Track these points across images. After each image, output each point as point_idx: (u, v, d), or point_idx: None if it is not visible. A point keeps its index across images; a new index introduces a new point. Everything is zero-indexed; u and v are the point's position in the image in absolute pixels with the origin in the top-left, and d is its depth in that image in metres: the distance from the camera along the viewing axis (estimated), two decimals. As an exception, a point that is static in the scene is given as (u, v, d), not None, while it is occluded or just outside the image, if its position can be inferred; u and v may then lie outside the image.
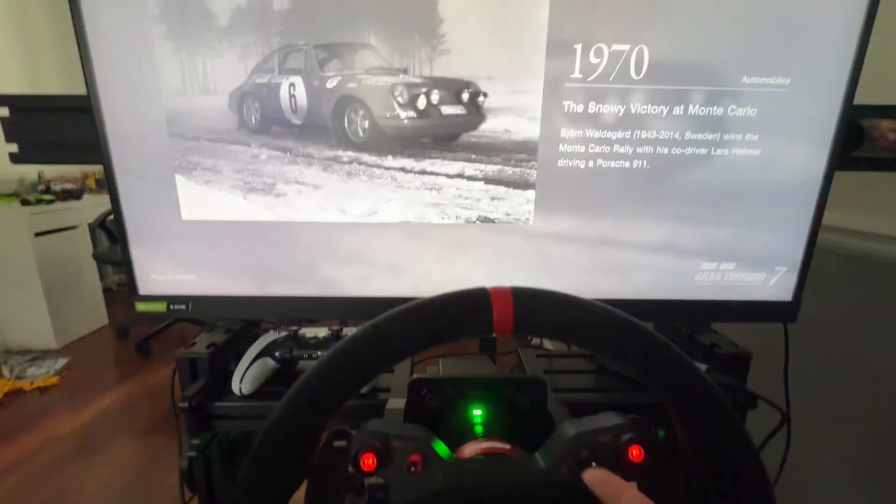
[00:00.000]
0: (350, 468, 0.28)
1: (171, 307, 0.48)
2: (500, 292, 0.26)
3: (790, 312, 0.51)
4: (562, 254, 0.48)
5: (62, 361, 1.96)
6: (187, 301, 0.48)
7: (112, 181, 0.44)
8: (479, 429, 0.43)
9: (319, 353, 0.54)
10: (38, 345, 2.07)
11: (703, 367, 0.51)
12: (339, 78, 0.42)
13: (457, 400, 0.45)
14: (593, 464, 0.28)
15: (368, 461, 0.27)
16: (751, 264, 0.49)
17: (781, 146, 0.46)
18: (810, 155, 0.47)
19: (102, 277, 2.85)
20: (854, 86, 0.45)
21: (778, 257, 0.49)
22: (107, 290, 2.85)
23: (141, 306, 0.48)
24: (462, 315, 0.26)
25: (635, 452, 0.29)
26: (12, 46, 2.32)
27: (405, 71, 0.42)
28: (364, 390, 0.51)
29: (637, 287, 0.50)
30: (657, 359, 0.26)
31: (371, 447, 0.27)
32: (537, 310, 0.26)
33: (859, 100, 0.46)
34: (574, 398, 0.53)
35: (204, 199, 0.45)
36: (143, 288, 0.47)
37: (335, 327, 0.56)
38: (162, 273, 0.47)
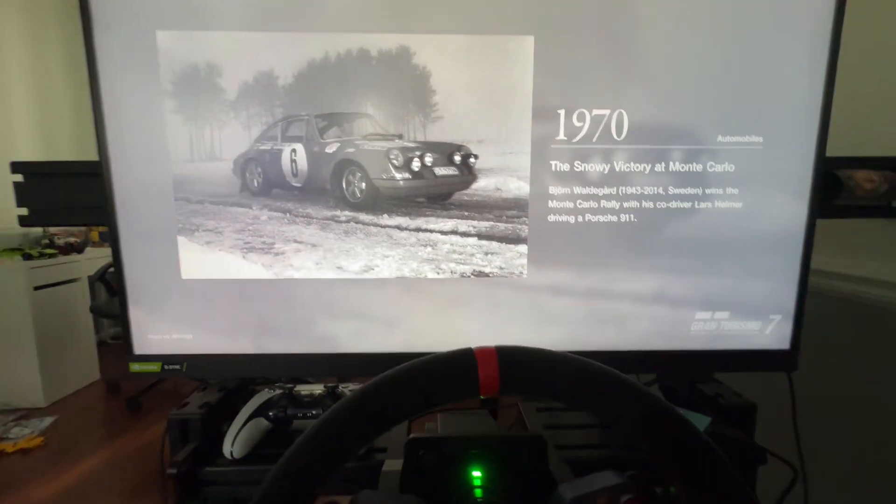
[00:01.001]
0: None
1: (166, 367, 0.47)
2: (484, 353, 0.26)
3: (790, 361, 0.51)
4: (556, 305, 0.49)
5: (48, 420, 1.89)
6: (182, 361, 0.47)
7: (116, 242, 0.46)
8: (478, 492, 0.42)
9: (315, 411, 0.53)
10: (24, 403, 2.00)
11: (707, 419, 0.50)
12: (338, 144, 0.45)
13: (455, 460, 0.44)
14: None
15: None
16: (745, 313, 0.50)
17: (762, 198, 0.48)
18: (791, 206, 0.48)
19: (97, 330, 2.82)
20: (824, 139, 0.48)
21: (771, 305, 0.50)
22: (101, 344, 2.81)
23: (135, 367, 0.47)
24: (447, 379, 0.26)
25: (633, 513, 0.28)
26: (32, 113, 2.46)
27: (400, 136, 0.45)
28: (360, 452, 0.50)
29: (633, 338, 0.50)
30: (647, 415, 0.26)
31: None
32: (523, 369, 0.26)
33: (836, 151, 0.49)
34: (576, 455, 0.51)
35: (204, 259, 0.46)
36: (139, 347, 0.47)
37: (331, 384, 0.55)
38: (158, 332, 0.47)
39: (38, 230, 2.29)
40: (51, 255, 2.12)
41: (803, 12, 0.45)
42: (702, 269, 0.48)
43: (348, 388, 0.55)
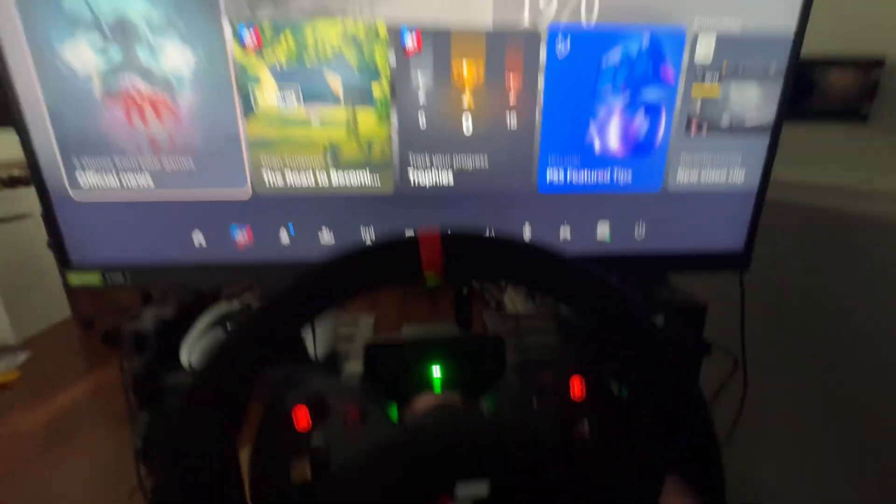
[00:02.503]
0: (286, 428, 0.27)
1: (107, 278, 0.45)
2: (427, 233, 0.25)
3: (743, 260, 0.52)
4: (518, 210, 0.47)
5: (23, 356, 1.88)
6: (123, 269, 0.45)
7: (28, 141, 0.41)
8: (437, 390, 0.43)
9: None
10: (-6, 340, 1.97)
11: (659, 316, 0.52)
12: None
13: (415, 363, 0.44)
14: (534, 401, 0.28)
15: (302, 418, 0.27)
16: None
17: (734, 91, 0.46)
18: (761, 102, 0.47)
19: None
20: (801, 35, 0.45)
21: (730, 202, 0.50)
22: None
23: (74, 278, 0.45)
24: (388, 259, 0.25)
25: (576, 387, 0.29)
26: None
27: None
28: (321, 357, 0.50)
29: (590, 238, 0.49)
30: (593, 294, 0.25)
31: (304, 402, 0.26)
32: (468, 248, 0.25)
33: (810, 52, 0.46)
34: (537, 358, 0.53)
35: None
36: (76, 257, 0.44)
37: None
38: (96, 239, 0.44)
39: (-23, 162, 2.10)
40: (1, 189, 1.97)
41: None
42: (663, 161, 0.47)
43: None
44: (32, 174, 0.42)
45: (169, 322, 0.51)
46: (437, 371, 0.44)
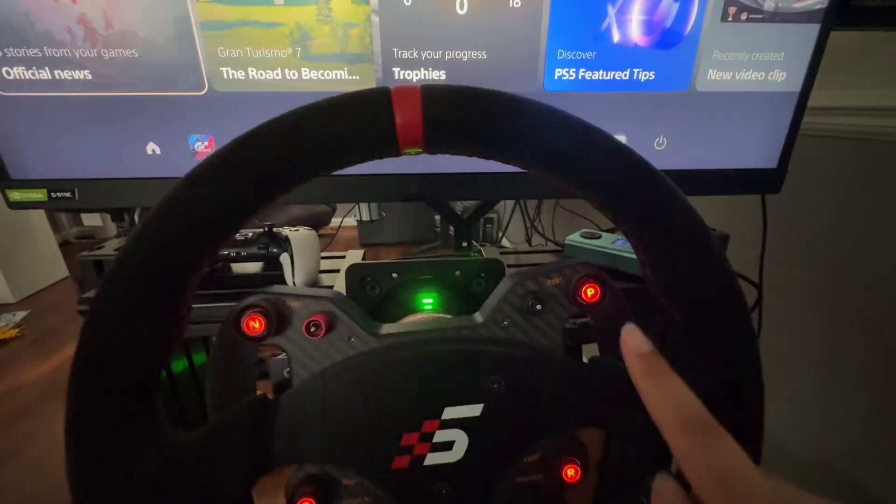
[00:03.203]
0: (238, 337, 0.23)
1: (53, 195, 0.39)
2: (404, 90, 0.19)
3: (774, 182, 0.46)
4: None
5: (21, 314, 1.87)
6: (72, 187, 0.39)
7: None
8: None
9: (248, 251, 0.48)
10: (-8, 299, 1.96)
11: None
12: None
13: (404, 288, 0.39)
14: (539, 307, 0.23)
15: (253, 324, 0.22)
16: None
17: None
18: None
19: (58, 230, 2.69)
20: None
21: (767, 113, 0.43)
22: (65, 244, 2.70)
23: (14, 195, 0.39)
24: (353, 123, 0.19)
25: (590, 292, 0.24)
26: None
27: None
28: (242, 222, 0.45)
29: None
30: (614, 162, 0.19)
31: (256, 307, 0.22)
32: (455, 110, 0.19)
33: None
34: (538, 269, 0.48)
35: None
36: (16, 171, 0.39)
37: (268, 223, 0.49)
38: (37, 151, 0.38)
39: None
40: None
41: None
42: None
43: (294, 230, 0.48)
44: (-50, 68, 0.36)
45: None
46: (428, 301, 0.39)
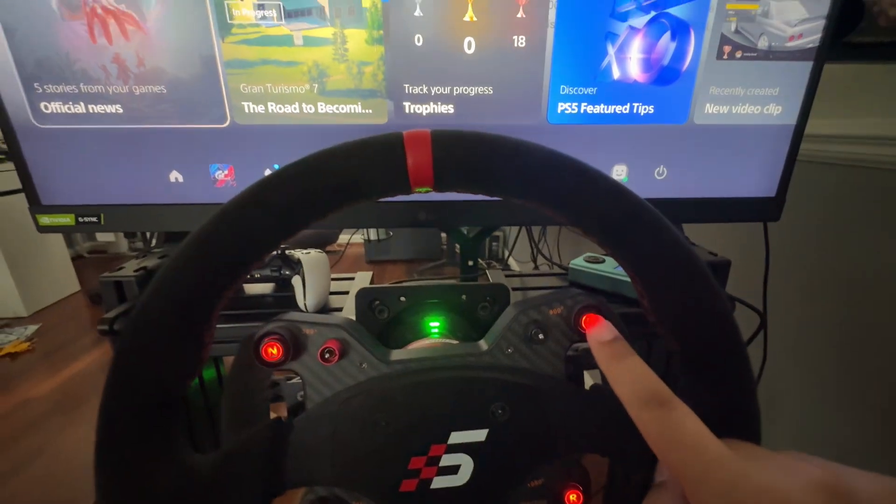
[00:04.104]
0: (256, 361, 0.24)
1: (80, 220, 0.41)
2: (416, 135, 0.21)
3: (774, 210, 0.47)
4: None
5: (32, 328, 1.90)
6: (98, 212, 0.41)
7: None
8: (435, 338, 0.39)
9: (262, 273, 0.50)
10: (5, 313, 1.99)
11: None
12: None
13: (411, 312, 0.41)
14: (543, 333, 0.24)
15: (272, 350, 0.23)
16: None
17: (776, 7, 0.40)
18: (805, 21, 0.41)
19: (71, 245, 2.74)
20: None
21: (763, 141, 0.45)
22: (78, 258, 2.76)
23: (45, 220, 0.41)
24: (368, 164, 0.21)
25: (588, 320, 0.25)
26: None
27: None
28: (311, 310, 0.47)
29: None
30: (614, 211, 0.21)
31: (274, 334, 0.23)
32: (461, 154, 0.21)
33: None
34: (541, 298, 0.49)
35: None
36: (47, 197, 0.41)
37: (282, 245, 0.51)
38: (67, 178, 0.41)
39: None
40: (1, 160, 1.96)
41: None
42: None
43: (306, 253, 0.50)
44: (-7, 103, 0.38)
45: (152, 271, 0.48)
46: (435, 325, 0.40)
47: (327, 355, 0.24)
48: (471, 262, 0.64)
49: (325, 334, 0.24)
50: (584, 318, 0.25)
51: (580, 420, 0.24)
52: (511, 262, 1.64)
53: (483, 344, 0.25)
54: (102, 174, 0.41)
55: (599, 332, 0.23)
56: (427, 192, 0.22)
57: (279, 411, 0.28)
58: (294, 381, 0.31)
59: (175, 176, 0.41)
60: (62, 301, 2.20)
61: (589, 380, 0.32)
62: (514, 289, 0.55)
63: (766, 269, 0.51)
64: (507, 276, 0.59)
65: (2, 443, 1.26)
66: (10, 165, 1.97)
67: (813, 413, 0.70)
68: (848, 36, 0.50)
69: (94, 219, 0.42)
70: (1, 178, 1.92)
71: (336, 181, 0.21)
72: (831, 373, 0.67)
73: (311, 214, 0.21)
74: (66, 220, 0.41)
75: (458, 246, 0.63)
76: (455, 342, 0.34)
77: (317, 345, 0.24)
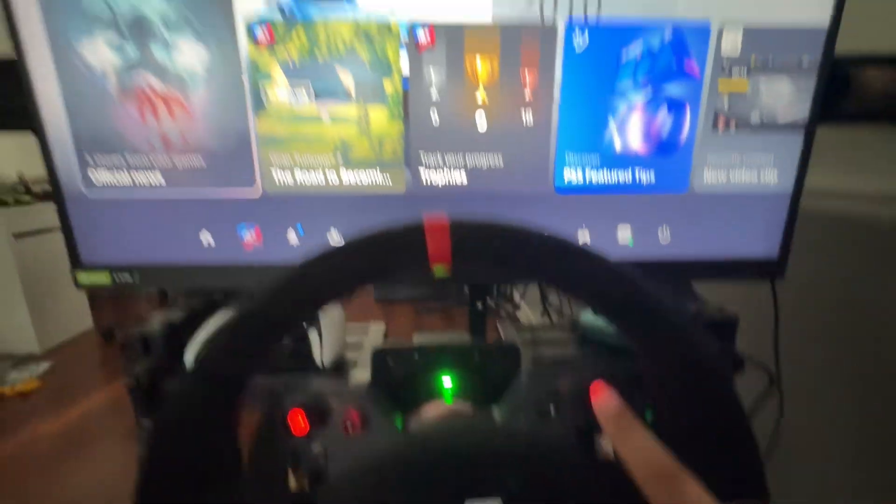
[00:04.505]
0: (283, 433, 0.25)
1: (116, 278, 0.44)
2: (434, 221, 0.23)
3: (777, 269, 0.49)
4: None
5: (45, 366, 1.92)
6: (133, 270, 0.44)
7: (44, 143, 0.41)
8: (448, 400, 0.40)
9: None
10: (19, 349, 2.02)
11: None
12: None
13: (425, 369, 0.42)
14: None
15: (299, 421, 0.25)
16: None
17: (766, 89, 0.43)
18: (794, 98, 0.44)
19: (89, 281, 2.80)
20: (835, 29, 0.42)
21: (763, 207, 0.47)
22: (91, 293, 2.80)
23: (83, 277, 0.44)
24: (393, 248, 0.23)
25: (596, 391, 0.26)
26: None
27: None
28: (328, 365, 0.48)
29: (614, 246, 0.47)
30: (608, 284, 0.23)
31: (302, 404, 0.25)
32: (477, 239, 0.23)
33: (845, 48, 0.44)
34: (551, 367, 0.49)
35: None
36: (87, 256, 0.44)
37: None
38: (106, 239, 0.44)
39: (12, 177, 2.20)
40: (28, 203, 2.06)
41: None
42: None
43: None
44: (48, 173, 0.42)
45: (177, 326, 0.50)
46: (447, 380, 0.41)
47: (349, 426, 0.25)
48: (480, 304, 0.65)
49: (347, 404, 0.26)
50: (590, 388, 0.26)
51: (591, 490, 0.25)
52: (523, 307, 1.64)
53: (496, 414, 0.27)
54: (139, 236, 0.44)
55: (605, 405, 0.24)
56: (444, 274, 0.24)
57: (298, 477, 0.29)
58: (316, 448, 0.32)
59: (206, 237, 0.44)
60: (75, 338, 2.22)
61: (601, 445, 0.32)
62: (525, 341, 0.56)
63: (775, 328, 0.52)
64: (517, 329, 0.60)
65: (9, 484, 1.25)
66: (34, 207, 2.06)
67: (832, 470, 0.68)
68: (837, 104, 0.53)
69: (129, 277, 0.44)
70: (24, 219, 2.00)
71: (365, 266, 0.23)
72: (850, 428, 0.65)
73: (340, 293, 0.24)
74: (103, 278, 0.44)
75: (466, 287, 0.65)
76: (468, 407, 0.35)
77: (340, 415, 0.25)
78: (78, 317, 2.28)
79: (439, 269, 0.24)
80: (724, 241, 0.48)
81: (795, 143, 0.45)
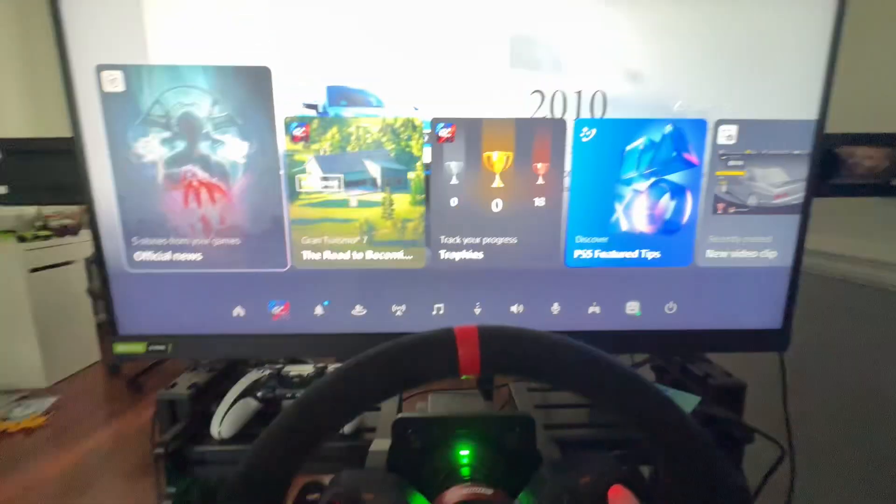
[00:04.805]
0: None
1: (151, 348, 0.47)
2: (465, 332, 0.26)
3: (781, 340, 0.51)
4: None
5: (50, 401, 1.92)
6: (167, 341, 0.47)
7: (94, 221, 0.45)
8: (465, 470, 0.42)
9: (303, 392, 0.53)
10: (26, 384, 2.02)
11: (696, 399, 0.50)
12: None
13: (443, 440, 0.44)
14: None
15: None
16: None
17: (759, 173, 0.46)
18: (788, 182, 0.47)
19: (96, 312, 2.83)
20: (824, 115, 0.46)
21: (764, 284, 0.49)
22: (100, 325, 2.82)
23: (120, 348, 0.47)
24: (426, 358, 0.25)
25: (616, 496, 0.28)
26: (20, 90, 2.39)
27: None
28: (348, 431, 0.50)
29: (621, 318, 0.49)
30: (632, 398, 0.25)
31: (339, 502, 0.26)
32: (504, 349, 0.26)
33: (835, 128, 0.48)
34: (566, 434, 0.51)
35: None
36: (124, 328, 0.47)
37: (320, 365, 0.55)
38: (145, 313, 0.47)
39: (31, 212, 2.27)
40: (46, 237, 2.11)
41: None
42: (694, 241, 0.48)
43: (338, 369, 0.54)
44: (95, 249, 0.45)
45: (202, 388, 0.52)
46: (465, 452, 0.43)
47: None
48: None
49: (382, 501, 0.28)
50: (609, 491, 0.28)
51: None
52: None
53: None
54: (174, 309, 0.47)
55: None
56: (471, 379, 0.27)
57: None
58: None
59: (237, 311, 0.47)
60: (82, 371, 2.23)
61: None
62: (538, 406, 0.57)
63: (783, 399, 0.53)
64: (529, 389, 0.61)
65: (7, 531, 1.23)
66: (49, 242, 2.10)
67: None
68: (831, 179, 0.56)
69: (163, 347, 0.47)
70: (42, 253, 2.05)
71: (399, 373, 0.26)
72: (862, 496, 0.65)
73: (377, 399, 0.26)
74: (139, 348, 0.47)
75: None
76: (488, 492, 0.37)
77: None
78: (86, 350, 2.29)
79: (468, 373, 0.26)
80: (728, 312, 0.50)
81: (793, 222, 0.48)
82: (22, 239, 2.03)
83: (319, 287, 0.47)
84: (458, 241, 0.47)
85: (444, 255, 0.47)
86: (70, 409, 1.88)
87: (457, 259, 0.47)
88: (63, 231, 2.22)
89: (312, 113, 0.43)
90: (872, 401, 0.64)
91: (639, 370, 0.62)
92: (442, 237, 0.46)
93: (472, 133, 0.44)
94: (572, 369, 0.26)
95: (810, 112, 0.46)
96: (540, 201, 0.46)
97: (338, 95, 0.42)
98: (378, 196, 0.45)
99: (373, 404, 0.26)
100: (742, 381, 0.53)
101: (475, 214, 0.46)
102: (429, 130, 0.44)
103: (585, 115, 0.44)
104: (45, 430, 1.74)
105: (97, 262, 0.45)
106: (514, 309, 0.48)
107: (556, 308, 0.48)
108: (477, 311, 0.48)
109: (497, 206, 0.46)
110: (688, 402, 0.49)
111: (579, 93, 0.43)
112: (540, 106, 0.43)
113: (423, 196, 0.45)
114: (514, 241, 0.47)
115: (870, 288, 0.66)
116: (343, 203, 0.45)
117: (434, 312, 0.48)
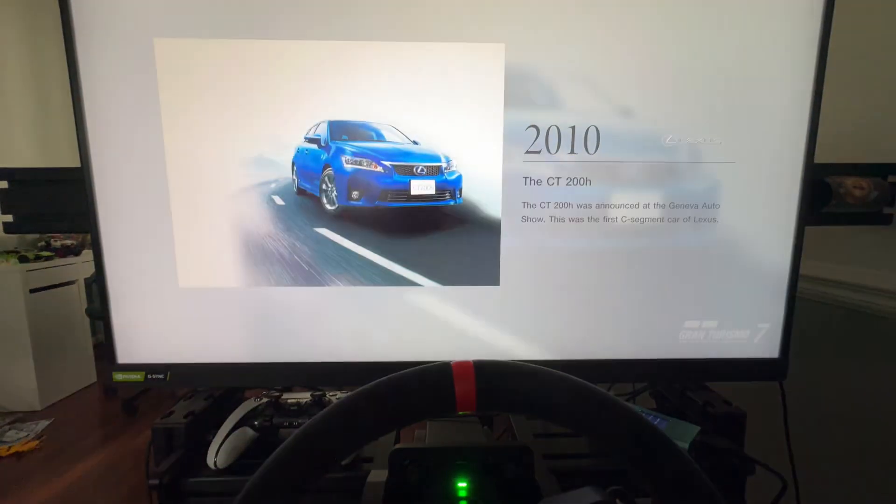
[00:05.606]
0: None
1: (149, 377, 0.47)
2: (462, 367, 0.26)
3: (779, 369, 0.51)
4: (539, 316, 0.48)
5: (44, 424, 1.89)
6: (165, 370, 0.47)
7: (98, 249, 0.45)
8: (463, 503, 0.41)
9: (300, 420, 0.53)
10: (20, 406, 1.99)
11: (695, 429, 0.50)
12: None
13: (440, 471, 0.43)
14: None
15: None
16: (733, 322, 0.49)
17: (751, 205, 0.47)
18: (780, 214, 0.48)
19: (94, 332, 2.81)
20: (813, 146, 0.47)
21: (759, 314, 0.50)
22: (97, 346, 2.80)
23: (118, 376, 0.47)
24: (423, 394, 0.26)
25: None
26: (29, 119, 2.43)
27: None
28: (345, 462, 0.49)
29: (622, 347, 0.49)
30: (628, 434, 0.25)
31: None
32: (501, 385, 0.26)
33: (824, 159, 0.49)
34: (564, 465, 0.50)
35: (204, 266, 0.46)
36: (123, 356, 0.47)
37: (317, 393, 0.55)
38: (144, 342, 0.47)
39: (33, 233, 2.28)
40: (47, 258, 2.12)
41: (791, 17, 0.44)
42: (690, 279, 0.48)
43: (335, 397, 0.54)
44: (97, 276, 0.46)
45: (198, 416, 0.51)
46: (463, 482, 0.42)
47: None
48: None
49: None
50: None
51: None
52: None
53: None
54: (172, 337, 0.47)
55: None
56: (470, 413, 0.27)
57: None
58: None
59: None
60: (77, 393, 2.20)
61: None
62: (537, 436, 0.57)
63: (785, 429, 0.53)
64: (528, 417, 0.61)
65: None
66: (46, 263, 2.10)
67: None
68: (823, 208, 0.57)
69: (161, 375, 0.47)
70: (42, 273, 2.04)
71: (397, 408, 0.26)
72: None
73: (376, 434, 0.26)
74: (137, 376, 0.47)
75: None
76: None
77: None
78: (83, 371, 2.26)
79: (465, 409, 0.26)
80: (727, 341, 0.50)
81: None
82: (24, 259, 2.04)
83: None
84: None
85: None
86: (63, 433, 1.85)
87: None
88: (64, 251, 2.23)
89: (314, 147, 0.44)
90: (873, 424, 0.63)
91: (638, 397, 0.62)
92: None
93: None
94: (568, 408, 0.26)
95: (799, 145, 0.47)
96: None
97: (339, 130, 0.44)
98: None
99: (368, 442, 0.26)
100: (741, 409, 0.53)
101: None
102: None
103: (580, 150, 0.45)
104: (38, 454, 1.71)
105: (97, 289, 0.46)
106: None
107: (553, 336, 0.49)
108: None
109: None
110: (687, 432, 0.49)
111: (573, 128, 0.45)
112: (535, 140, 0.45)
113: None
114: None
115: (864, 314, 0.66)
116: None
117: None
